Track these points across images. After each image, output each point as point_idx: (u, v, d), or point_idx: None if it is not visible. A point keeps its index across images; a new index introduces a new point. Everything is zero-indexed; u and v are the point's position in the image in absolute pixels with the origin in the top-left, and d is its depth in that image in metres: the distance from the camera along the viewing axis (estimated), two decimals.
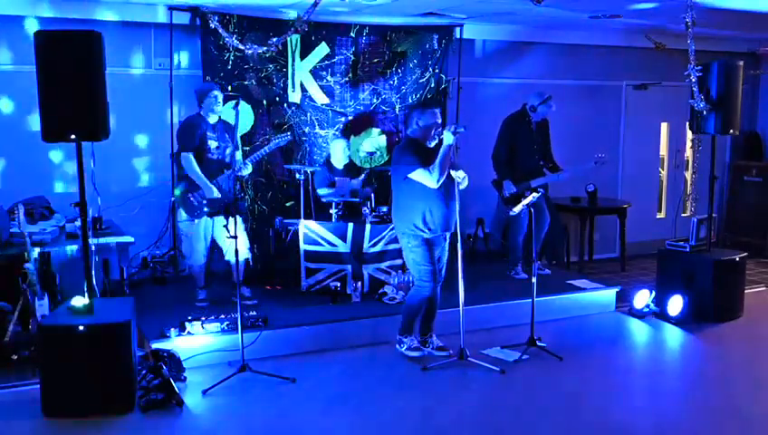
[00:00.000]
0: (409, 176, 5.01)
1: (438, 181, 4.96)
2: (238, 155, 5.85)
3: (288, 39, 6.59)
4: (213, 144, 5.73)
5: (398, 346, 5.39)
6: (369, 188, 6.79)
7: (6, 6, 6.05)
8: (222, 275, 6.31)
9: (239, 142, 6.02)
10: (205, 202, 5.70)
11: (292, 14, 6.60)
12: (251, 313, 5.44)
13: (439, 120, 5.15)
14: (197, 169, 5.66)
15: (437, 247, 5.23)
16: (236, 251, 4.99)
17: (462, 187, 5.11)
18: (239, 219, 5.65)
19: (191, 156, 5.66)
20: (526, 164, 6.82)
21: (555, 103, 6.95)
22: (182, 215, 5.87)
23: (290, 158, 7.04)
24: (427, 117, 5.11)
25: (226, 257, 5.87)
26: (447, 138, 4.94)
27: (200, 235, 5.82)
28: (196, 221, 5.76)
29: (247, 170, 5.90)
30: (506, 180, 6.78)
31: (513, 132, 6.81)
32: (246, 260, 5.90)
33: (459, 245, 5.13)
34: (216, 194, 5.68)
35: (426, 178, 4.98)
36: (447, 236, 5.28)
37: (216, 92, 5.74)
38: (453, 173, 5.07)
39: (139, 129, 6.76)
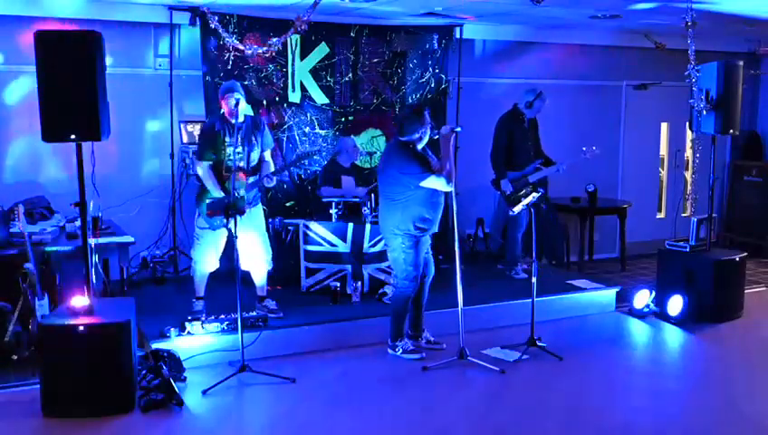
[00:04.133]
0: (422, 184, 5.06)
1: (451, 184, 5.06)
2: (267, 155, 5.53)
3: (288, 39, 6.58)
4: (231, 150, 5.30)
5: (391, 351, 5.39)
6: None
7: (7, 6, 6.04)
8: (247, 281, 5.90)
9: (270, 140, 5.60)
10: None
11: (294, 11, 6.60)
12: (251, 313, 5.42)
13: (430, 121, 5.18)
14: (209, 176, 5.35)
15: (425, 248, 5.31)
16: (236, 251, 4.97)
17: None
18: (261, 227, 5.57)
19: (204, 165, 5.38)
20: (522, 161, 6.84)
21: (555, 103, 6.95)
22: (201, 222, 5.53)
23: (290, 158, 7.03)
24: (425, 126, 5.13)
25: (241, 265, 5.43)
26: (447, 139, 5.00)
27: (215, 243, 5.51)
28: (217, 231, 5.45)
29: (271, 184, 5.53)
30: (503, 180, 6.80)
31: (508, 131, 6.84)
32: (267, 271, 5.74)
33: (456, 245, 5.15)
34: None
35: (440, 184, 5.06)
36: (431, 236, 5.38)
37: (237, 96, 5.27)
38: None
39: (140, 129, 6.76)
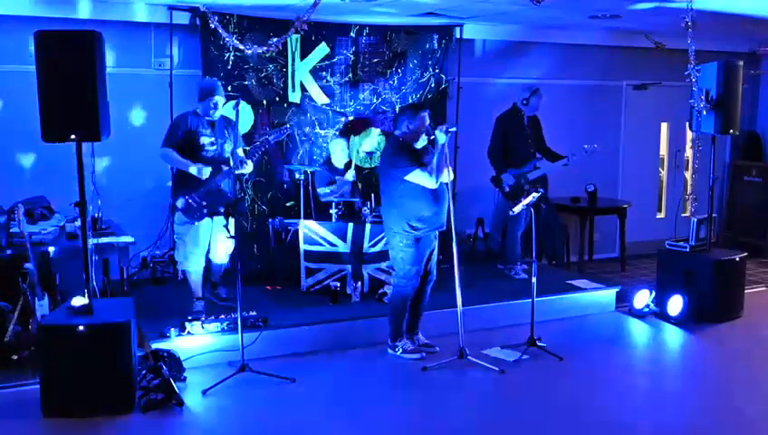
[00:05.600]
0: (406, 178, 5.04)
1: (437, 182, 5.02)
2: (239, 152, 5.70)
3: (288, 39, 6.59)
4: (207, 140, 5.56)
5: (391, 351, 5.39)
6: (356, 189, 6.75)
7: (6, 6, 6.04)
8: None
9: (240, 140, 5.88)
10: (204, 203, 5.57)
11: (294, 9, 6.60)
12: (251, 313, 5.42)
13: (428, 123, 5.16)
14: (176, 155, 5.47)
15: (428, 247, 5.27)
16: (236, 250, 4.99)
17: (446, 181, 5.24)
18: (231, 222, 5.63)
19: (168, 149, 5.52)
20: (520, 159, 6.86)
21: (555, 103, 6.95)
22: (180, 217, 5.67)
23: (290, 158, 7.05)
24: (417, 121, 5.13)
25: (211, 257, 5.83)
26: (441, 138, 5.00)
27: (199, 238, 5.65)
28: (196, 224, 5.61)
29: (248, 169, 5.71)
30: (504, 174, 6.81)
31: (505, 129, 6.87)
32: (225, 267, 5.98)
33: (455, 244, 5.15)
34: (206, 173, 5.46)
35: (424, 179, 5.02)
36: (437, 235, 5.32)
37: (217, 99, 5.53)
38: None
39: (139, 129, 6.76)
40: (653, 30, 7.92)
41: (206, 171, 5.48)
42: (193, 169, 5.45)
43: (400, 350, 5.34)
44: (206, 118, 5.59)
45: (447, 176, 5.16)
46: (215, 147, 5.61)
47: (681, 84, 6.63)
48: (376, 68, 7.33)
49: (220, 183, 5.58)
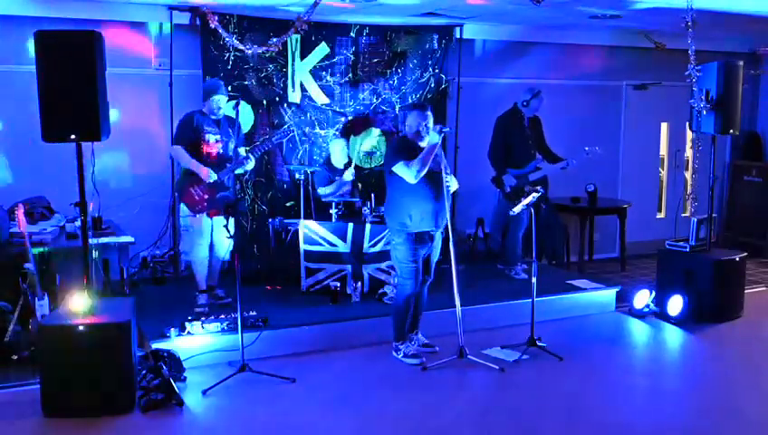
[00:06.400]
0: (392, 169, 5.10)
1: (416, 176, 5.00)
2: (241, 150, 5.87)
3: (288, 39, 6.59)
4: (212, 138, 5.71)
5: (394, 353, 5.38)
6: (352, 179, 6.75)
7: (6, 6, 6.05)
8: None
9: (243, 138, 6.03)
10: (206, 197, 5.66)
11: (294, 12, 6.60)
12: (251, 313, 5.43)
13: (425, 120, 5.15)
14: (187, 155, 5.65)
15: (424, 247, 5.24)
16: (236, 250, 5.01)
17: (451, 190, 5.23)
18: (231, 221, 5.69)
19: (179, 147, 5.69)
20: (521, 159, 6.86)
21: (555, 103, 6.96)
22: (183, 210, 5.80)
23: (290, 158, 7.05)
24: (411, 118, 5.17)
25: (215, 253, 5.93)
26: (433, 138, 5.06)
27: (203, 228, 5.75)
28: (197, 215, 5.72)
29: (250, 164, 5.85)
30: (505, 174, 6.81)
31: (506, 130, 6.87)
32: (222, 261, 6.07)
33: (452, 244, 5.14)
34: (213, 177, 5.61)
35: (404, 172, 5.04)
36: (437, 236, 5.29)
37: (219, 97, 5.72)
38: (446, 176, 5.15)
39: (139, 129, 6.76)
40: (653, 30, 7.92)
41: (213, 176, 5.63)
42: (202, 172, 5.61)
43: (401, 353, 5.33)
44: (212, 117, 5.75)
45: (453, 183, 5.23)
46: (220, 144, 5.75)
47: (681, 84, 6.63)
48: (376, 68, 7.34)
49: (223, 178, 5.71)
